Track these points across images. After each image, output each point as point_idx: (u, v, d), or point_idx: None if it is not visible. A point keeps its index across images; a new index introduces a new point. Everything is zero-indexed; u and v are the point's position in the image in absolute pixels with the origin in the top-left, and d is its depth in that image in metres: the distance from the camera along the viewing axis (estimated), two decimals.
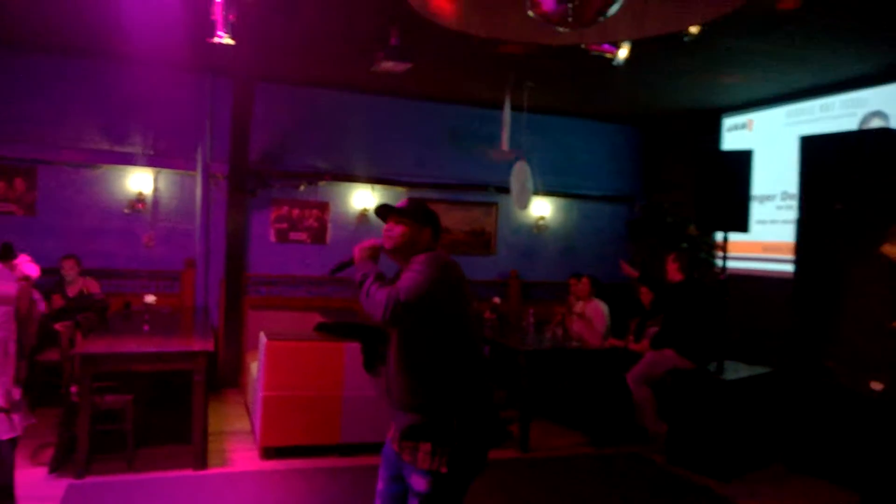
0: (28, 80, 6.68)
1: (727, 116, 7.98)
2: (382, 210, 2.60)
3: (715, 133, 8.07)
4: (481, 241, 8.43)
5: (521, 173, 7.03)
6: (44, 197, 6.78)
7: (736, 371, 5.49)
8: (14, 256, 5.78)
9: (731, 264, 6.05)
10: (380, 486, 2.58)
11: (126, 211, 7.02)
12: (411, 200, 2.63)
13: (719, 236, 6.32)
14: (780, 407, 5.47)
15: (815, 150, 5.43)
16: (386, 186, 7.94)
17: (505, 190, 7.48)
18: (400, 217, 2.55)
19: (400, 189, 7.93)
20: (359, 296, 2.42)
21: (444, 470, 2.33)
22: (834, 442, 5.02)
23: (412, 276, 2.35)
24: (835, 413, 5.06)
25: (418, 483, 2.36)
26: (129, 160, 7.02)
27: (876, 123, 6.25)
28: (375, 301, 2.31)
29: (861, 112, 6.43)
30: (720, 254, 5.81)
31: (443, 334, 2.40)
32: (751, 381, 5.42)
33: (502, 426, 5.72)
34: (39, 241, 6.53)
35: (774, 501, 4.76)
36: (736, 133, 7.90)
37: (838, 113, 6.64)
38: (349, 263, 2.55)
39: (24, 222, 6.68)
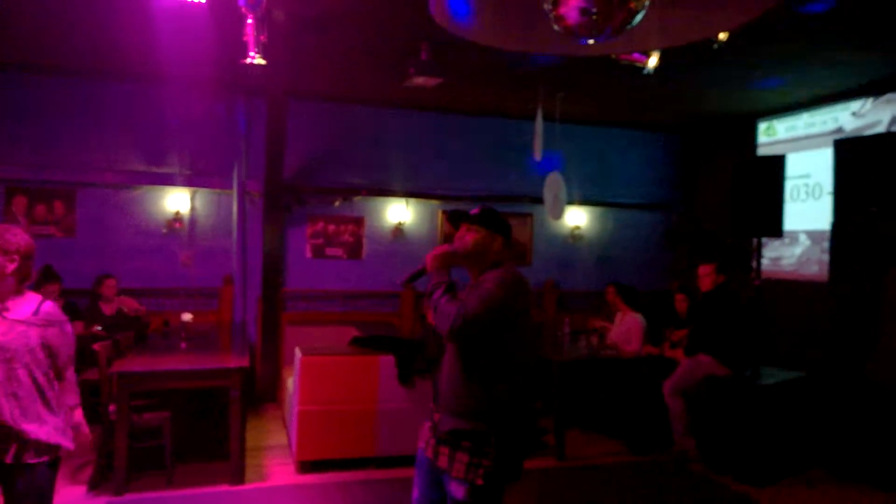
0: (66, 105, 6.85)
1: (762, 121, 7.82)
2: (455, 216, 2.60)
3: (751, 138, 7.90)
4: (516, 252, 8.37)
5: (554, 184, 6.98)
6: (83, 219, 6.95)
7: (772, 376, 5.42)
8: (56, 279, 5.98)
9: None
10: (415, 493, 2.61)
11: (164, 231, 7.17)
12: (484, 208, 2.63)
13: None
14: (817, 411, 5.38)
15: (849, 154, 5.37)
16: (420, 200, 7.96)
17: (539, 201, 7.41)
18: (472, 224, 2.56)
19: (434, 202, 7.94)
20: (428, 304, 2.44)
21: (479, 482, 2.34)
22: (871, 446, 4.97)
23: (482, 294, 2.36)
24: (872, 417, 5.00)
25: (457, 490, 2.38)
26: (167, 180, 7.17)
27: None
28: (444, 313, 2.34)
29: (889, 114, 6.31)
30: (755, 259, 5.71)
31: (504, 347, 2.42)
32: (786, 385, 5.33)
33: (538, 437, 5.68)
34: (79, 263, 6.70)
35: None
36: (768, 137, 7.77)
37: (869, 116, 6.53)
38: (422, 273, 2.54)
39: (64, 244, 6.83)
